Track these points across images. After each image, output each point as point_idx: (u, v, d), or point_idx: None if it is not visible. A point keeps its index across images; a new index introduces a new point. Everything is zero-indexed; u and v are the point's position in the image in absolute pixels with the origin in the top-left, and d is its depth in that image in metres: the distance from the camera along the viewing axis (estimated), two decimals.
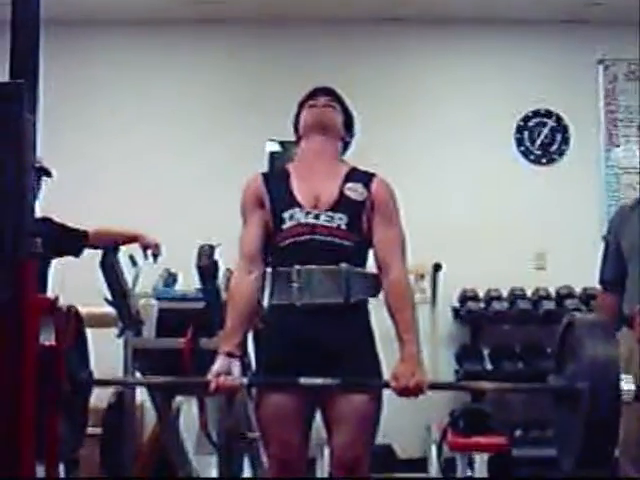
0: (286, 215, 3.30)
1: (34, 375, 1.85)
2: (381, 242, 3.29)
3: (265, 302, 3.39)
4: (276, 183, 3.40)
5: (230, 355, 3.23)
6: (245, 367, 3.33)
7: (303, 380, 3.13)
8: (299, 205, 3.30)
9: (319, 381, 3.13)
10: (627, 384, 2.93)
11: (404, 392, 3.13)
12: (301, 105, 3.53)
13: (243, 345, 3.36)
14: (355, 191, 3.32)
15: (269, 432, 3.28)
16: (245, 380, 3.23)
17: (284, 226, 3.30)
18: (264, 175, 3.46)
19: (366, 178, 3.38)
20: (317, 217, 3.28)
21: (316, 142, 3.43)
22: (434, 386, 3.27)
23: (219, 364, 3.21)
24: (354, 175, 3.39)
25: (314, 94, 3.50)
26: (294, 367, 3.18)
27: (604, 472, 3.09)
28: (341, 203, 3.30)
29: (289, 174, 3.40)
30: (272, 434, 3.27)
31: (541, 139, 7.32)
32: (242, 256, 3.38)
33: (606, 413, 2.90)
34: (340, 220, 3.28)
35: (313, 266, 3.23)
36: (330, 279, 3.23)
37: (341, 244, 3.26)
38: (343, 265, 3.24)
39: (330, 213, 3.28)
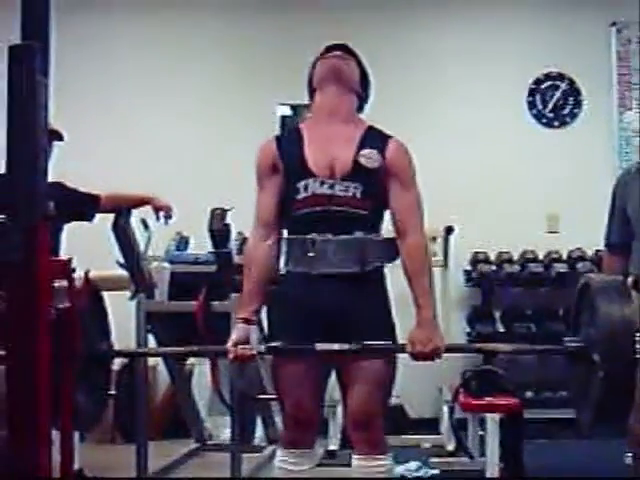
0: (300, 185, 3.27)
1: (49, 338, 1.86)
2: (398, 208, 3.26)
3: (281, 267, 3.41)
4: (289, 148, 3.32)
5: (247, 321, 3.26)
6: (261, 330, 3.34)
7: (320, 346, 3.15)
8: (313, 175, 3.25)
9: (336, 347, 3.16)
10: None
11: (420, 357, 3.17)
12: (314, 63, 3.45)
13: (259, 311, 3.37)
14: (370, 158, 3.26)
15: (284, 393, 3.31)
16: (262, 347, 3.25)
17: (299, 196, 3.27)
18: (277, 139, 3.36)
19: (381, 141, 3.31)
20: (332, 187, 3.24)
21: (330, 95, 3.34)
22: (449, 349, 3.25)
23: (237, 333, 3.24)
24: (369, 138, 3.31)
25: (328, 50, 3.42)
26: (309, 332, 3.21)
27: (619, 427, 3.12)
28: (356, 171, 3.25)
29: (302, 137, 3.33)
30: (287, 395, 3.30)
31: (553, 102, 7.29)
32: (257, 222, 3.35)
33: (621, 373, 2.94)
34: (355, 189, 3.25)
35: (329, 235, 3.23)
36: (345, 249, 3.23)
37: (357, 213, 3.25)
38: (358, 234, 3.24)
39: (345, 183, 3.25)
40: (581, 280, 3.28)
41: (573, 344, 3.19)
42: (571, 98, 7.28)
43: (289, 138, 3.39)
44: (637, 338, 2.95)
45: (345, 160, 3.26)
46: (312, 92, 3.44)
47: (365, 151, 3.26)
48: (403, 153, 3.32)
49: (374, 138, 3.32)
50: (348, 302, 3.23)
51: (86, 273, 2.16)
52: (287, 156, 3.31)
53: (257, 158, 3.40)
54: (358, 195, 3.25)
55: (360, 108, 3.47)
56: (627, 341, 2.94)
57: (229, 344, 3.23)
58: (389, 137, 3.34)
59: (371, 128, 3.37)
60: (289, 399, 3.29)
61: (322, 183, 3.25)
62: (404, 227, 3.24)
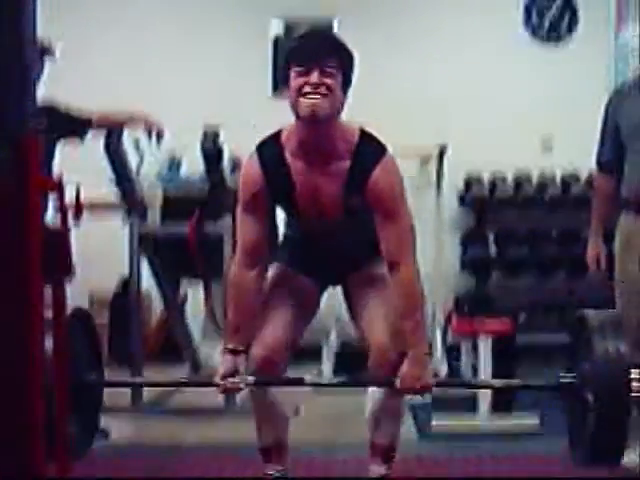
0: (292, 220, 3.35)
1: (39, 254, 1.83)
2: (388, 240, 3.10)
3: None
4: (277, 182, 3.13)
5: (235, 352, 3.17)
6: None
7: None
8: (304, 217, 3.23)
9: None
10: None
11: (409, 392, 3.16)
12: (289, 61, 3.06)
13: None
14: (358, 200, 3.12)
15: (269, 307, 3.24)
16: (251, 378, 3.14)
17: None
18: (263, 168, 3.13)
19: (368, 165, 3.09)
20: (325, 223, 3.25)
21: (312, 132, 3.08)
22: (440, 384, 3.28)
23: (225, 365, 3.15)
24: (357, 164, 3.10)
25: (303, 58, 3.02)
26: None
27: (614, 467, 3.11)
28: (346, 212, 3.18)
29: (289, 169, 3.12)
30: (272, 311, 3.23)
31: (549, 18, 7.20)
32: (242, 250, 3.19)
33: (615, 414, 2.95)
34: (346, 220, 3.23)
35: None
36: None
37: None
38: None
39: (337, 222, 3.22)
40: (576, 314, 3.26)
41: (567, 380, 3.19)
42: (567, 14, 7.19)
43: (275, 170, 3.15)
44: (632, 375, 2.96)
45: (335, 205, 3.16)
46: (286, 76, 3.08)
47: (353, 197, 3.12)
48: (389, 179, 3.11)
49: (362, 162, 3.11)
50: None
51: (77, 190, 2.11)
52: (275, 191, 3.16)
53: (242, 181, 3.21)
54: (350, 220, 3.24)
55: (344, 92, 3.11)
56: (620, 378, 2.95)
57: (217, 377, 3.15)
58: (377, 160, 3.11)
59: (359, 147, 3.13)
60: (271, 319, 3.21)
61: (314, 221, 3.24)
62: (395, 260, 3.09)
